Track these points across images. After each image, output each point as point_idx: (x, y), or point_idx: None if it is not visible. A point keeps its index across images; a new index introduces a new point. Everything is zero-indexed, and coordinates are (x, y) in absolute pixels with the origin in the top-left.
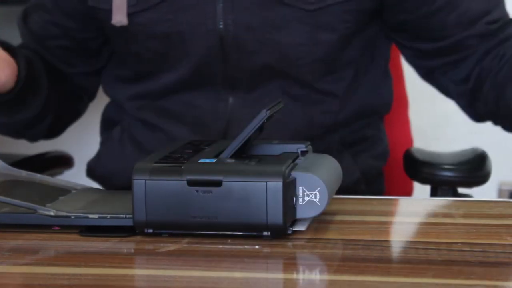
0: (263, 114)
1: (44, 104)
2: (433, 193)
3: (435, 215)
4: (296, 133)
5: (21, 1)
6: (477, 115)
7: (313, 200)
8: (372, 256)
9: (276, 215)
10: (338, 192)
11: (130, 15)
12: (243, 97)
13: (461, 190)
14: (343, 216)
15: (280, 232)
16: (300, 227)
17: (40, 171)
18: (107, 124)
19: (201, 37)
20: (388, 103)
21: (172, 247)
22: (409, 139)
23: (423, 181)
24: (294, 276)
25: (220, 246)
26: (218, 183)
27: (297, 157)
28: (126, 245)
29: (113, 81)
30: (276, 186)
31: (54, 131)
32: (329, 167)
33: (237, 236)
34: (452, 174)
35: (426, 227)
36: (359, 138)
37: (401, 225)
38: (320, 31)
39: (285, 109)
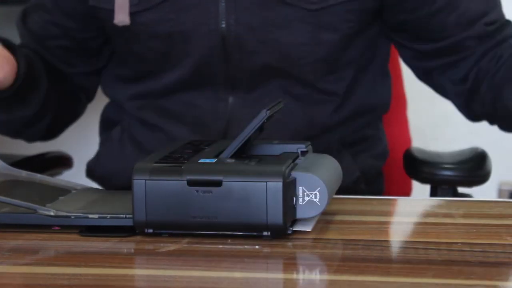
0: (263, 114)
1: (43, 103)
2: (433, 193)
3: (435, 215)
4: (296, 133)
5: (21, 1)
6: (473, 115)
7: (313, 200)
8: (372, 256)
9: (276, 215)
10: (338, 192)
11: (132, 14)
12: (243, 97)
13: (461, 189)
14: (343, 216)
15: (280, 232)
16: (306, 228)
17: (40, 171)
18: (107, 125)
19: (203, 37)
20: (387, 103)
21: (172, 247)
22: (407, 139)
23: (423, 180)
24: (294, 276)
25: (220, 246)
26: (218, 183)
27: (297, 157)
28: (126, 245)
29: (113, 81)
30: (276, 186)
31: (53, 131)
32: (329, 167)
33: (237, 236)
34: (452, 173)
35: (426, 227)
36: (359, 138)
37: (401, 225)
38: (322, 31)
39: (285, 109)
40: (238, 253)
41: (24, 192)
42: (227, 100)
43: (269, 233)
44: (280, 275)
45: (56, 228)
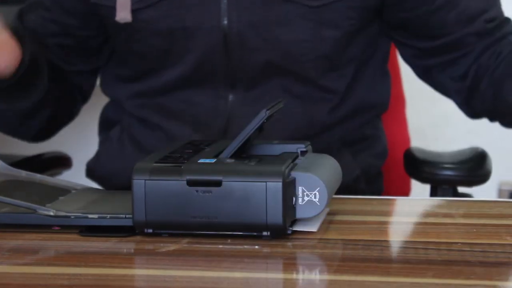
0: (263, 114)
1: (43, 97)
2: (433, 193)
3: (435, 215)
4: (296, 131)
5: (21, 1)
6: (473, 112)
7: (312, 200)
8: (372, 256)
9: (275, 215)
10: (338, 191)
11: (134, 11)
12: (243, 94)
13: (461, 189)
14: (343, 216)
15: (280, 232)
16: (311, 228)
17: (39, 171)
18: (106, 124)
19: (205, 34)
20: (386, 102)
21: (172, 247)
22: (406, 139)
23: (423, 180)
24: (294, 276)
25: (220, 246)
26: (218, 183)
27: (296, 157)
28: (126, 245)
29: (113, 80)
30: (275, 186)
31: (47, 130)
32: (329, 167)
33: (237, 236)
34: (453, 173)
35: (426, 227)
36: (359, 137)
37: (401, 225)
38: (324, 28)
39: (285, 108)
40: (238, 253)
41: (24, 192)
42: (227, 97)
43: (268, 233)
44: (280, 275)
45: (56, 228)
